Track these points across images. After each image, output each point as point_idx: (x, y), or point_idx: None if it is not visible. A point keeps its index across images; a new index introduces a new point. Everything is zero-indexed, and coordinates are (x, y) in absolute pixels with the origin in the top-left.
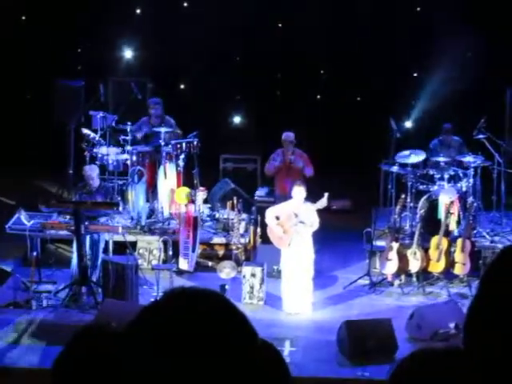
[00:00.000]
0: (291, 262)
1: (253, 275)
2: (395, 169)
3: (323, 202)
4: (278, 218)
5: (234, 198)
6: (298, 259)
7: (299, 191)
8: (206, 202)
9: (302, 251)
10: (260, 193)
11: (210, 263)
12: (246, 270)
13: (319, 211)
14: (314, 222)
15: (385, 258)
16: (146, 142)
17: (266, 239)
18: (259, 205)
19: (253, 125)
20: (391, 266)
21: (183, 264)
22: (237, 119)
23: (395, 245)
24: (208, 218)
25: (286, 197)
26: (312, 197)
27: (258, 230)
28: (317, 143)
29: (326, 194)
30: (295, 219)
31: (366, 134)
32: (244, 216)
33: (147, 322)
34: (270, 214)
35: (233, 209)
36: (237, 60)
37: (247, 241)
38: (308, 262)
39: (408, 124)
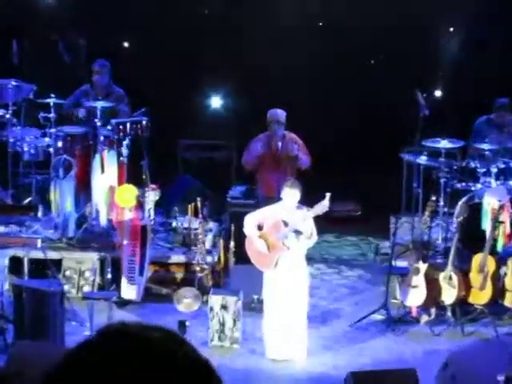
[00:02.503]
0: (278, 289)
1: (224, 307)
2: (423, 160)
3: (323, 206)
4: (260, 228)
5: (198, 201)
6: (287, 286)
7: (291, 192)
8: (158, 205)
9: (294, 275)
10: (235, 193)
11: (164, 290)
12: (215, 300)
13: (318, 219)
14: (312, 235)
15: (408, 285)
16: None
17: (242, 257)
18: (234, 209)
19: (229, 101)
20: (417, 296)
21: (127, 291)
22: (206, 95)
23: (422, 266)
24: (162, 228)
25: (273, 198)
26: (309, 199)
27: (232, 244)
28: (314, 126)
29: (328, 195)
30: (285, 230)
31: (381, 114)
32: (212, 225)
33: (73, 371)
34: (251, 221)
35: (196, 215)
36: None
37: (216, 260)
38: (301, 291)
39: (438, 94)
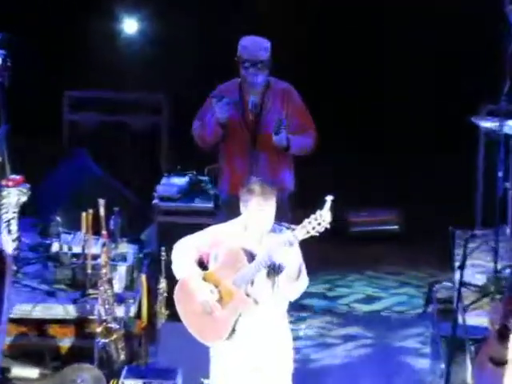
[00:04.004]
0: (236, 373)
1: None
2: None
3: (322, 221)
4: (204, 266)
5: (101, 204)
6: (255, 369)
7: (261, 200)
8: (26, 212)
9: (266, 350)
10: (168, 189)
11: (34, 372)
12: None
13: (316, 243)
14: (300, 273)
15: (489, 362)
16: None
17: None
18: (166, 220)
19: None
20: (499, 380)
21: None
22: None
23: None
24: (33, 256)
25: None
26: (301, 209)
27: (163, 285)
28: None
29: (329, 200)
30: (250, 267)
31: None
32: (126, 250)
33: None
34: (187, 252)
35: (96, 231)
36: None
37: (133, 314)
38: (279, 374)
39: None
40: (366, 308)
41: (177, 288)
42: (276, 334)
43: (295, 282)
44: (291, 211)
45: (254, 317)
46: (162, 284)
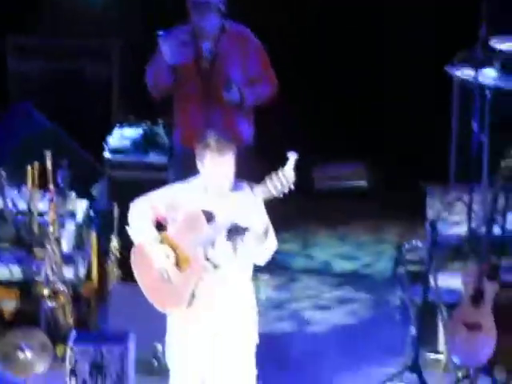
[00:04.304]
0: (197, 348)
1: (97, 368)
2: (493, 76)
3: (285, 179)
4: (162, 227)
5: (47, 156)
6: (216, 341)
7: (218, 157)
8: None
9: (227, 317)
10: (120, 141)
11: None
12: (82, 354)
13: (281, 203)
14: (267, 234)
15: (462, 325)
16: None
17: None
18: (118, 174)
19: None
20: (480, 346)
21: None
22: None
23: (491, 288)
24: None
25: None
26: (261, 170)
27: (114, 243)
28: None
29: (293, 157)
30: (209, 229)
31: None
32: (75, 206)
33: None
34: (142, 213)
35: (43, 185)
36: None
37: (82, 274)
38: (244, 349)
39: None
40: (338, 267)
41: (133, 253)
42: (239, 300)
43: (261, 244)
44: (252, 167)
45: (215, 282)
46: (114, 243)
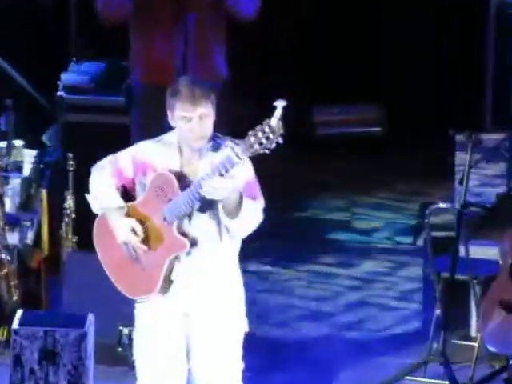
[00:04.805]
0: (171, 341)
1: (49, 355)
2: None
3: (272, 132)
4: (128, 194)
5: None
6: (196, 334)
7: (194, 104)
8: None
9: (210, 306)
10: (78, 77)
11: None
12: (24, 335)
13: (272, 158)
14: (254, 198)
15: (495, 304)
16: None
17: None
18: (73, 118)
19: None
20: None
21: None
22: None
23: None
24: None
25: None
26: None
27: (70, 202)
28: None
29: (280, 105)
30: (182, 198)
31: None
32: (21, 156)
33: None
34: (108, 176)
35: None
36: None
37: (29, 240)
38: (227, 343)
39: None
40: (342, 237)
41: (95, 227)
42: (223, 285)
43: (248, 209)
44: (228, 108)
45: (194, 262)
46: (69, 202)
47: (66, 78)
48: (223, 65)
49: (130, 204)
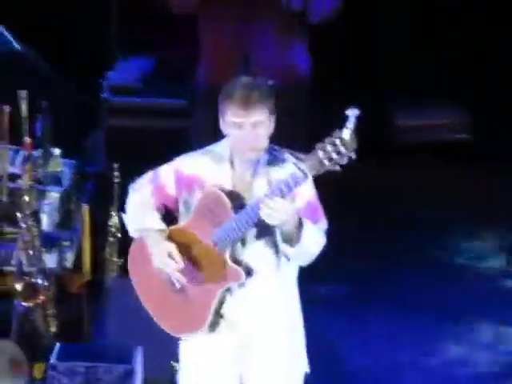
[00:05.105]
0: (221, 375)
1: None
2: None
3: (343, 146)
4: (170, 214)
5: (22, 96)
6: (250, 371)
7: (242, 107)
8: None
9: (266, 344)
10: (125, 75)
11: None
12: (64, 374)
13: (324, 179)
14: (319, 219)
15: None
16: None
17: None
18: (119, 123)
19: None
20: None
21: None
22: None
23: None
24: None
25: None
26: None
27: (115, 220)
28: None
29: (353, 114)
30: (235, 221)
31: None
32: (59, 166)
33: None
34: (147, 194)
35: (16, 140)
36: None
37: (69, 263)
38: (281, 374)
39: None
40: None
41: (130, 252)
42: (281, 321)
43: (310, 233)
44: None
45: (248, 295)
46: (114, 219)
47: (112, 75)
48: (304, 63)
49: (173, 227)
